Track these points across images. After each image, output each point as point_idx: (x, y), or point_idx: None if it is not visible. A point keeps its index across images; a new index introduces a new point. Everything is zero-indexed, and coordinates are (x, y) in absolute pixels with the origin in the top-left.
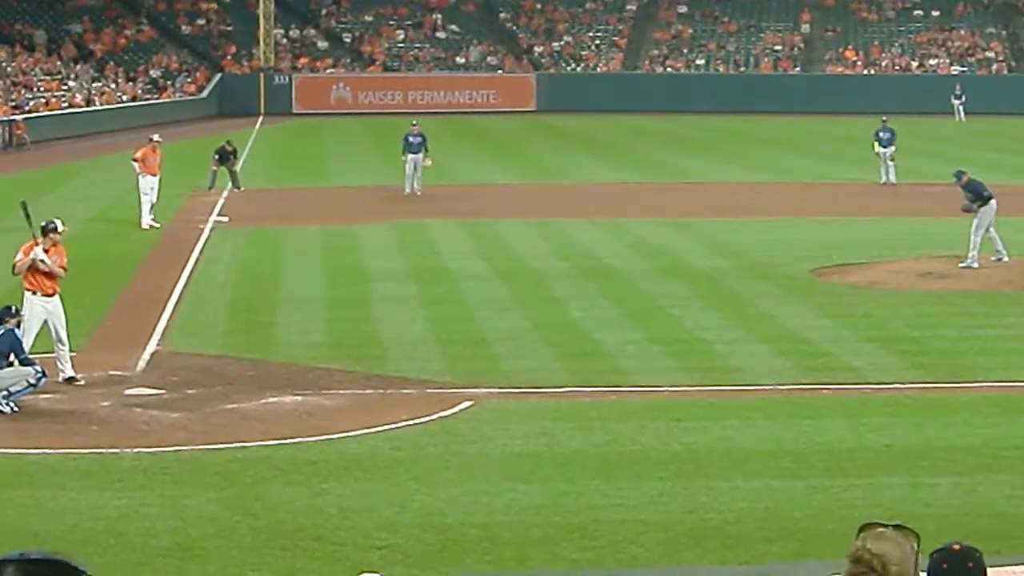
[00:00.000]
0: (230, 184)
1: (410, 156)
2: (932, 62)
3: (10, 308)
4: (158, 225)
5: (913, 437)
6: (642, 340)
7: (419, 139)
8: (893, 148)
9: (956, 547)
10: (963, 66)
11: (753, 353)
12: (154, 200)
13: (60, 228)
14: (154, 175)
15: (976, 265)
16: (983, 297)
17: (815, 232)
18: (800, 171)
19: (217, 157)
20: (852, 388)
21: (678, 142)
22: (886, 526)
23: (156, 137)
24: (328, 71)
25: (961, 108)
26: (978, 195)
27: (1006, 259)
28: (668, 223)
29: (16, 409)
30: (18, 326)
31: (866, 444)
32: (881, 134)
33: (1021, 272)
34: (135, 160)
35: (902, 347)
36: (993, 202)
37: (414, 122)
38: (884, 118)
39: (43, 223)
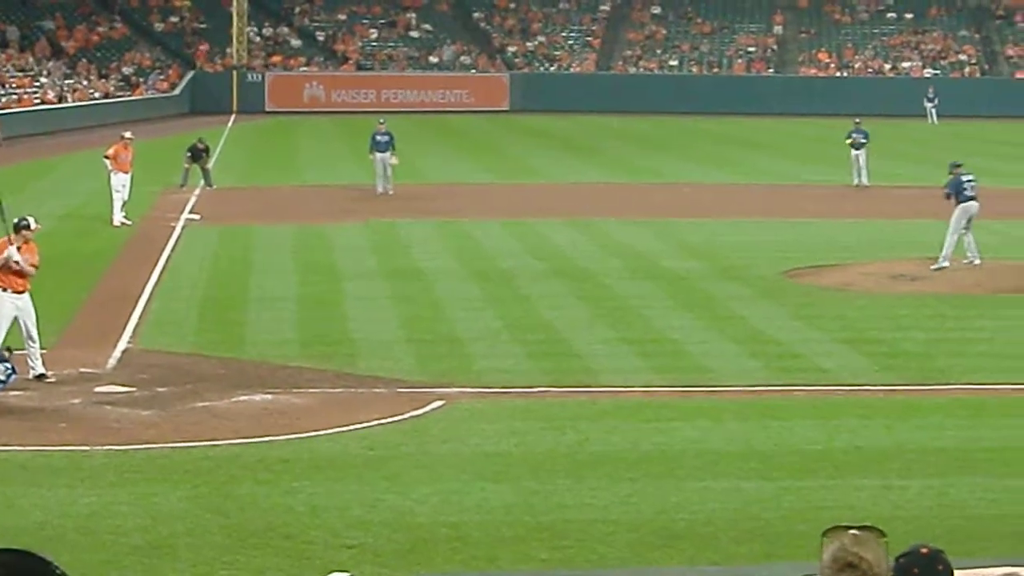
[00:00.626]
0: (202, 182)
1: (378, 155)
2: (905, 65)
3: None
4: (130, 222)
5: (884, 439)
6: (613, 340)
7: (387, 137)
8: (865, 151)
9: (924, 551)
10: (936, 69)
11: (724, 354)
12: (126, 197)
13: (33, 226)
14: (126, 172)
15: (946, 264)
16: (954, 300)
17: (787, 233)
18: (773, 172)
19: (189, 155)
20: (823, 390)
21: (651, 143)
22: (854, 528)
23: (128, 134)
24: (301, 69)
25: (934, 111)
26: (955, 191)
27: (977, 262)
28: (641, 223)
29: None
30: None
31: (837, 446)
32: (855, 135)
33: (992, 275)
34: (107, 157)
35: (873, 349)
36: (971, 204)
37: (381, 120)
38: (857, 120)
39: (16, 220)
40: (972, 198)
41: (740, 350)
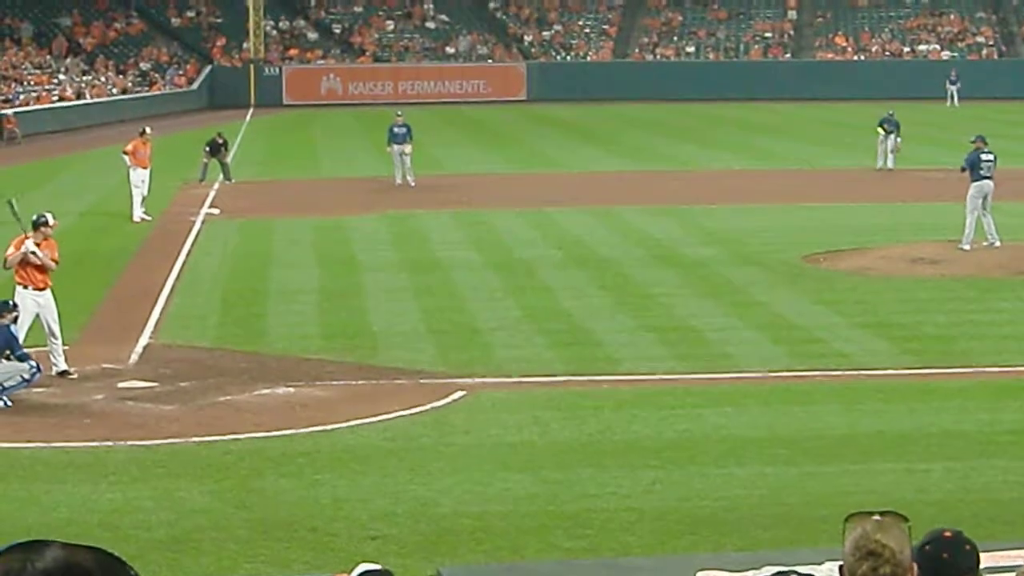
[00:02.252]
0: (221, 176)
1: (396, 147)
2: (922, 47)
3: (7, 303)
4: (150, 218)
5: (906, 423)
6: (635, 328)
7: (404, 130)
8: (894, 137)
9: (947, 534)
10: (953, 51)
11: (745, 340)
12: (145, 193)
13: (51, 222)
14: (145, 168)
15: (967, 247)
16: (975, 282)
17: (807, 218)
18: (791, 157)
19: (208, 149)
20: (845, 374)
21: (669, 130)
22: (876, 514)
23: (147, 129)
24: (318, 62)
25: (956, 93)
26: (972, 167)
27: (997, 244)
28: (659, 211)
29: (10, 404)
30: (14, 321)
31: (859, 430)
32: (886, 125)
33: (1012, 257)
34: (125, 153)
35: (894, 333)
36: (985, 183)
37: (399, 112)
38: (891, 112)
39: (34, 217)
40: (987, 177)
41: (761, 336)
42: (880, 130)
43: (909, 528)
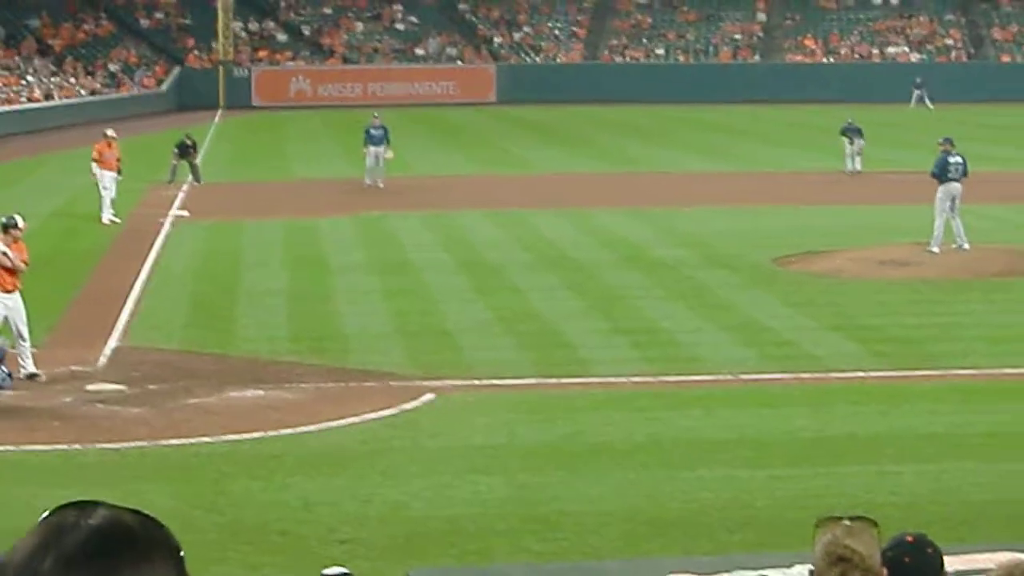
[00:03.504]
0: (190, 178)
1: (372, 148)
2: (891, 50)
3: None
4: (118, 220)
5: (876, 425)
6: (605, 331)
7: (381, 131)
8: (862, 142)
9: (909, 538)
10: (922, 53)
11: (715, 343)
12: (114, 195)
13: (20, 224)
14: (112, 170)
15: (936, 250)
16: (943, 284)
17: (777, 220)
18: (761, 160)
19: (177, 151)
20: (815, 377)
21: (639, 132)
22: (846, 519)
23: (110, 132)
24: (287, 64)
25: (923, 96)
26: (940, 171)
27: (966, 247)
28: (630, 213)
29: None
30: None
31: (830, 433)
32: (849, 133)
33: (980, 259)
34: (94, 161)
35: (864, 335)
36: (953, 185)
37: (376, 114)
38: (850, 119)
39: (3, 219)
40: (955, 180)
41: (731, 338)
42: (844, 138)
43: (879, 532)
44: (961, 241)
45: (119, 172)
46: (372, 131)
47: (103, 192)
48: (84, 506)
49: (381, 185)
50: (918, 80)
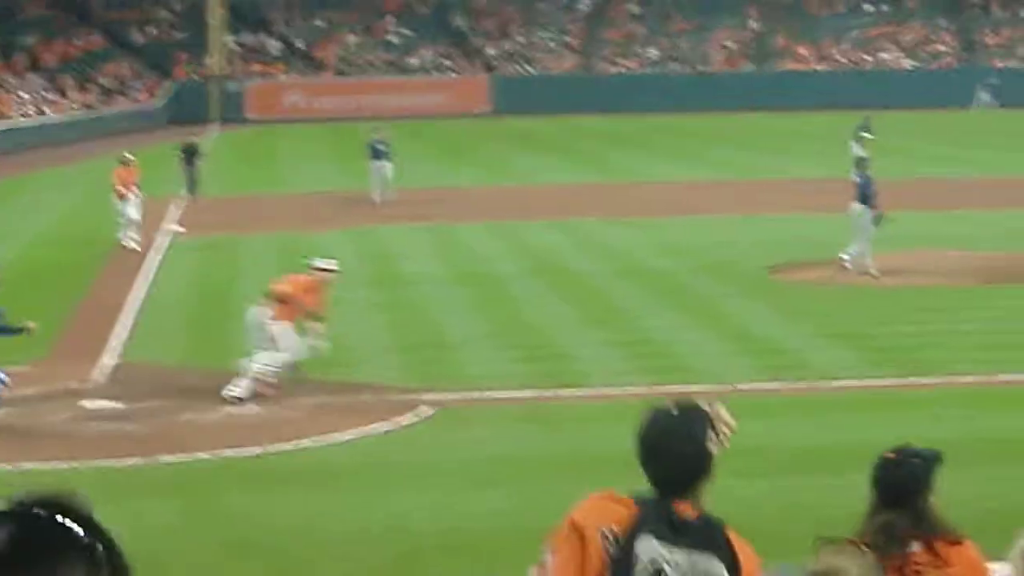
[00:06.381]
0: (184, 190)
1: (377, 163)
2: (884, 56)
3: None
4: (136, 246)
5: (874, 434)
6: (602, 342)
7: (383, 145)
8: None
9: (890, 455)
10: (915, 60)
11: (711, 353)
12: (138, 219)
13: None
14: (131, 195)
15: (848, 265)
16: (939, 292)
17: (771, 229)
18: (756, 168)
19: (183, 155)
20: (812, 386)
21: (634, 142)
22: (842, 542)
23: (128, 155)
24: (281, 77)
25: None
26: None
27: (848, 266)
28: (625, 223)
29: None
30: None
31: (826, 442)
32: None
33: (981, 266)
34: (117, 192)
35: (861, 343)
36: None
37: (377, 128)
38: (864, 131)
39: None
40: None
41: (727, 348)
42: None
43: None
44: (845, 260)
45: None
46: (376, 145)
47: (127, 217)
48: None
49: (387, 199)
50: (987, 82)
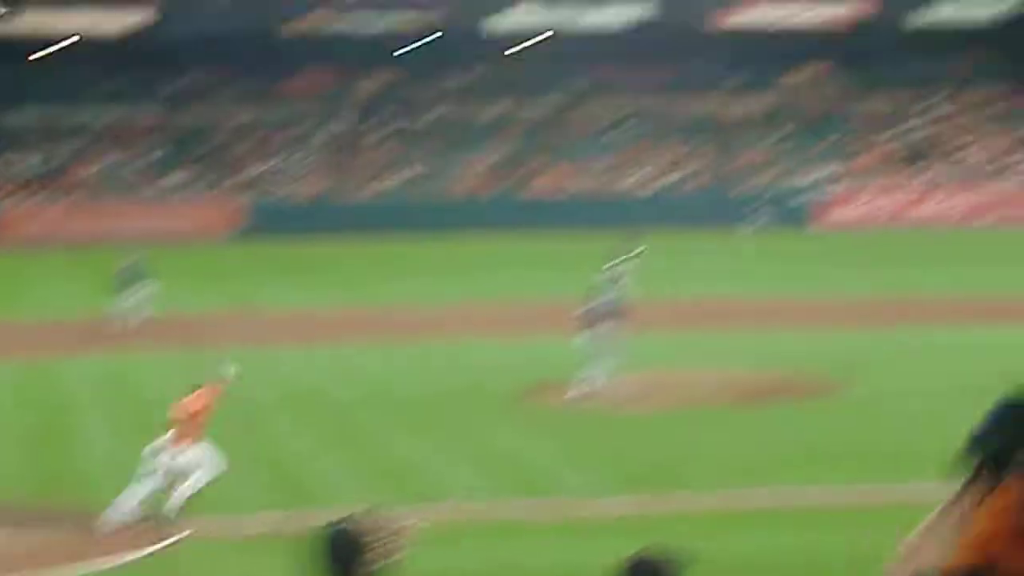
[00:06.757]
0: None
1: (126, 289)
2: (630, 181)
3: None
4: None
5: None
6: (354, 466)
7: (133, 271)
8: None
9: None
10: (666, 180)
11: (459, 475)
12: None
13: None
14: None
15: (587, 389)
16: (689, 413)
17: (523, 351)
18: (514, 287)
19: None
20: (561, 506)
21: (389, 265)
22: None
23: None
24: (30, 199)
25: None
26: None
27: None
28: (379, 347)
29: None
30: None
31: (590, 563)
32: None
33: (724, 386)
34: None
35: (613, 465)
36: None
37: (129, 252)
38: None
39: None
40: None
41: (475, 469)
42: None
43: None
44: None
45: None
46: (124, 271)
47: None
48: None
49: (138, 323)
50: (761, 201)
